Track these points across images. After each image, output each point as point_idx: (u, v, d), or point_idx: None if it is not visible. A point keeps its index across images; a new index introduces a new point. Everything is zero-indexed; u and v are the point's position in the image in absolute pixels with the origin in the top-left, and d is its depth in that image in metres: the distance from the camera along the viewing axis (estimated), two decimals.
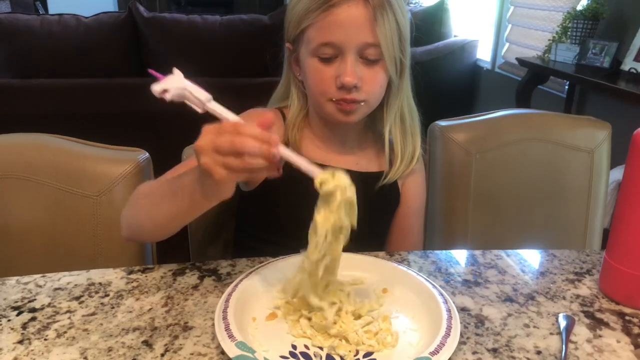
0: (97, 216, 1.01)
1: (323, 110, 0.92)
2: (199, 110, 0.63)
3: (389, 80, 0.93)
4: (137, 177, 1.03)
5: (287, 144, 0.94)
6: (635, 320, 0.72)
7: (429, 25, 4.50)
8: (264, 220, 1.00)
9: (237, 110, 0.70)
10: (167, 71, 0.65)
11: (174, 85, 0.60)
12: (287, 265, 0.78)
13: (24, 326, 0.67)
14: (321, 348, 0.64)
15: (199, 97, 0.62)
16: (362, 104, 0.90)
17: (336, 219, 0.66)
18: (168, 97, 0.60)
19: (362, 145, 1.02)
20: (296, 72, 0.96)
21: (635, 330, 0.69)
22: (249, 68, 2.43)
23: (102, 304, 0.72)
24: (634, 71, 2.41)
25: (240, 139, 0.59)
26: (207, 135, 0.62)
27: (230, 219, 1.10)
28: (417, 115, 1.01)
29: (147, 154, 1.07)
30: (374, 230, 1.01)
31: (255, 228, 1.02)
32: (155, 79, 0.63)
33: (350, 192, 0.66)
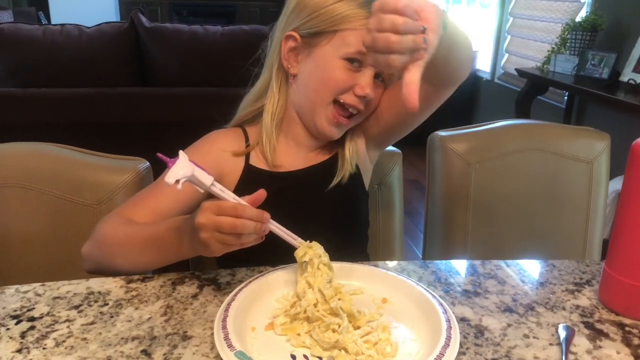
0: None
1: (313, 118, 0.91)
2: (201, 191, 0.71)
3: None
4: (138, 186, 1.04)
5: (246, 152, 0.94)
6: (635, 331, 0.71)
7: None
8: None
9: None
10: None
11: (183, 174, 0.67)
12: (287, 274, 0.78)
13: (23, 335, 0.67)
14: (320, 358, 0.64)
15: (204, 181, 0.69)
16: (356, 117, 0.92)
17: (319, 281, 0.72)
18: (179, 187, 0.67)
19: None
20: (290, 66, 0.92)
21: (635, 341, 0.69)
22: (250, 78, 2.44)
23: (101, 313, 0.72)
24: (633, 82, 2.42)
25: (241, 222, 0.66)
26: (208, 214, 0.68)
27: None
28: None
29: (148, 163, 1.07)
30: (351, 216, 1.00)
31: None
32: (164, 164, 0.69)
33: (325, 259, 0.74)
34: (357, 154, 0.99)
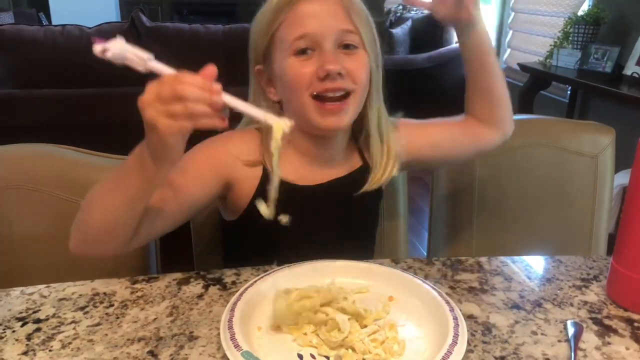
0: None
1: (308, 120, 0.85)
2: (141, 70, 0.64)
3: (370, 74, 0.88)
4: None
5: (263, 164, 0.89)
6: None
7: (430, 32, 4.51)
8: (250, 248, 0.95)
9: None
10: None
11: (115, 46, 0.61)
12: (293, 274, 0.78)
13: (29, 337, 0.67)
14: (327, 357, 0.64)
15: (140, 55, 0.63)
16: (351, 97, 0.84)
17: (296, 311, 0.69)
18: (109, 55, 0.61)
19: (342, 152, 0.95)
20: (270, 93, 0.91)
21: None
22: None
23: (107, 314, 0.72)
24: (636, 75, 2.41)
25: (182, 86, 0.60)
26: (150, 89, 0.62)
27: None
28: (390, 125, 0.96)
29: None
30: (363, 225, 0.99)
31: (243, 256, 0.96)
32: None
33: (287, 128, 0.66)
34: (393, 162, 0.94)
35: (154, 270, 1.03)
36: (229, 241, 1.03)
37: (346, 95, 0.84)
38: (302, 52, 0.83)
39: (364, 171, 0.94)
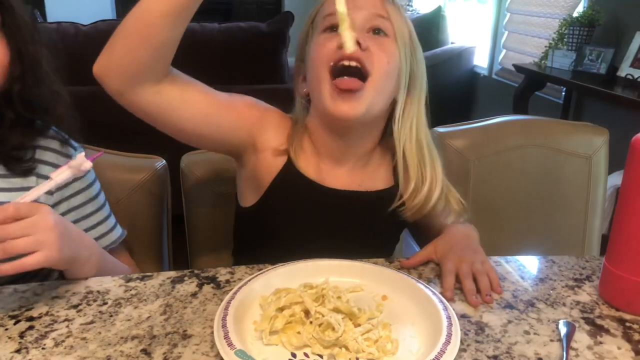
0: None
1: (323, 105, 0.83)
2: None
3: (399, 84, 0.86)
4: (155, 185, 1.04)
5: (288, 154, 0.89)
6: (635, 326, 0.71)
7: (426, 32, 4.51)
8: (262, 237, 0.95)
9: None
10: None
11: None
12: (287, 273, 0.78)
13: (22, 335, 0.67)
14: (321, 356, 0.64)
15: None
16: (367, 83, 0.81)
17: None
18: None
19: (367, 163, 0.93)
20: (302, 89, 0.92)
21: (636, 336, 0.69)
22: (247, 75, 2.43)
23: (100, 312, 0.72)
24: (630, 77, 2.42)
25: None
26: None
27: (229, 241, 1.07)
28: (433, 142, 0.94)
29: (164, 161, 1.07)
30: (379, 247, 0.96)
31: (254, 248, 0.97)
32: None
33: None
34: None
35: (166, 267, 1.04)
36: (240, 232, 1.01)
37: (362, 77, 0.81)
38: (330, 29, 0.83)
39: (393, 192, 0.92)
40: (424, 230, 1.00)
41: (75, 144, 0.92)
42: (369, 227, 0.93)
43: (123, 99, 0.79)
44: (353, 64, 0.80)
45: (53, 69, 0.87)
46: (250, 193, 0.93)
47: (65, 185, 0.85)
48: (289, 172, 0.88)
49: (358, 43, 0.79)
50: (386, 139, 0.94)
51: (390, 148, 0.93)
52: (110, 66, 0.76)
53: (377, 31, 0.84)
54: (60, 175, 0.73)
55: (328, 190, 0.90)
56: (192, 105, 0.82)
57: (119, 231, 0.95)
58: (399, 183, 0.92)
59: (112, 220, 0.94)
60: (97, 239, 0.89)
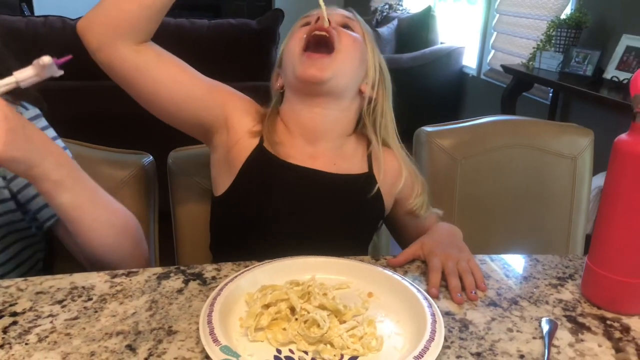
0: None
1: (294, 73, 0.90)
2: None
3: (370, 78, 0.96)
4: (142, 181, 1.03)
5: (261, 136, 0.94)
6: (616, 324, 0.73)
7: (415, 32, 4.53)
8: (236, 224, 0.96)
9: None
10: None
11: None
12: (273, 270, 0.78)
13: (5, 330, 0.66)
14: (306, 352, 0.64)
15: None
16: (334, 54, 0.89)
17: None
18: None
19: (342, 148, 0.98)
20: (277, 82, 0.99)
21: (617, 334, 0.70)
22: (237, 72, 2.43)
23: (85, 307, 0.71)
24: (616, 79, 2.45)
25: None
26: None
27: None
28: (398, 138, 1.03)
29: (151, 157, 1.07)
30: (355, 235, 0.99)
31: (229, 237, 0.98)
32: None
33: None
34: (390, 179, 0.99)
35: (153, 264, 1.04)
36: (215, 224, 1.02)
37: (331, 50, 0.89)
38: (305, 25, 0.93)
39: (368, 178, 0.97)
40: (400, 220, 1.05)
41: (28, 105, 0.89)
42: (344, 210, 0.96)
43: (101, 52, 0.83)
44: (323, 33, 0.90)
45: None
46: (223, 178, 0.95)
47: None
48: (260, 153, 0.92)
49: (329, 22, 0.90)
50: (361, 129, 1.01)
51: (365, 138, 1.00)
52: (95, 19, 0.82)
53: (347, 27, 0.95)
54: (23, 73, 0.70)
55: (300, 169, 0.93)
56: (167, 68, 0.88)
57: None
58: (373, 169, 0.97)
59: None
60: None
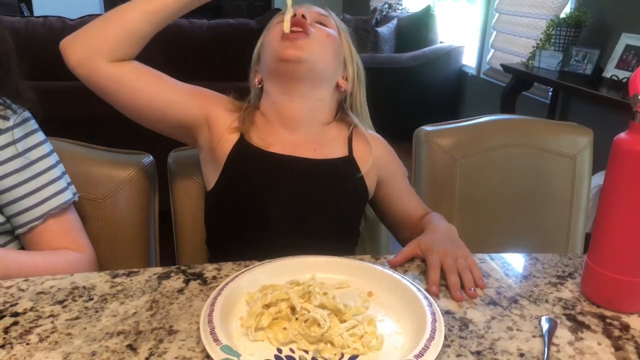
0: (101, 219, 1.01)
1: (273, 55, 0.94)
2: None
3: (348, 71, 1.00)
4: (142, 181, 1.04)
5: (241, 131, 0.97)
6: (615, 323, 0.73)
7: (415, 31, 4.53)
8: (227, 216, 0.98)
9: None
10: None
11: None
12: (273, 269, 0.78)
13: (6, 331, 0.66)
14: (306, 351, 0.64)
15: None
16: (311, 37, 0.93)
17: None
18: None
19: (322, 134, 1.01)
20: (255, 78, 1.03)
21: (616, 332, 0.71)
22: (236, 72, 2.43)
23: (86, 307, 0.72)
24: (615, 78, 2.45)
25: None
26: None
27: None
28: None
29: (152, 157, 1.07)
30: (341, 218, 1.00)
31: (223, 232, 1.00)
32: None
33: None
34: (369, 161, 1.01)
35: (153, 263, 1.04)
36: (208, 218, 1.03)
37: (307, 33, 0.93)
38: (280, 22, 0.94)
39: (348, 161, 0.99)
40: (385, 201, 1.07)
41: (18, 108, 0.92)
42: (327, 193, 0.98)
43: (82, 67, 0.88)
44: (299, 29, 0.93)
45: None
46: (211, 174, 0.98)
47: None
48: (242, 145, 0.95)
49: (303, 17, 0.93)
50: (340, 116, 1.05)
51: (346, 124, 1.04)
52: (78, 38, 0.88)
53: (321, 24, 0.99)
54: None
55: (281, 157, 0.95)
56: (145, 77, 0.92)
57: (69, 195, 0.93)
58: (353, 152, 1.00)
59: (62, 182, 0.93)
60: (47, 198, 0.90)
